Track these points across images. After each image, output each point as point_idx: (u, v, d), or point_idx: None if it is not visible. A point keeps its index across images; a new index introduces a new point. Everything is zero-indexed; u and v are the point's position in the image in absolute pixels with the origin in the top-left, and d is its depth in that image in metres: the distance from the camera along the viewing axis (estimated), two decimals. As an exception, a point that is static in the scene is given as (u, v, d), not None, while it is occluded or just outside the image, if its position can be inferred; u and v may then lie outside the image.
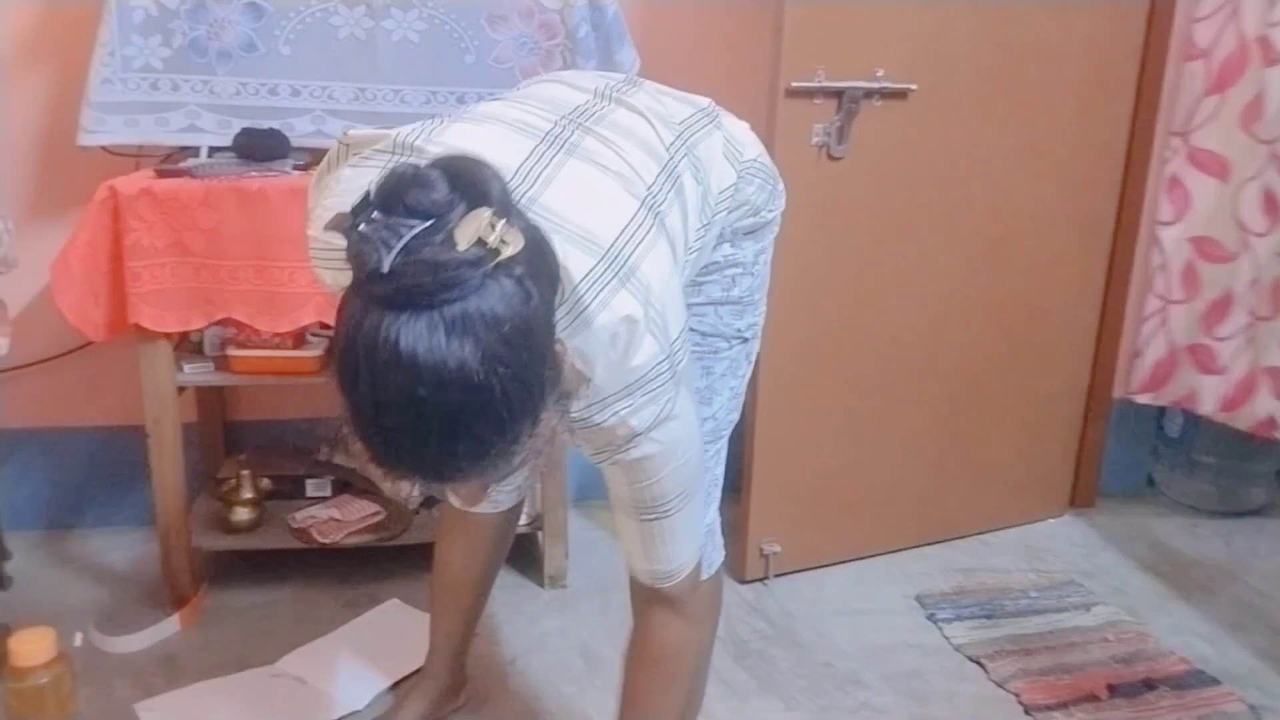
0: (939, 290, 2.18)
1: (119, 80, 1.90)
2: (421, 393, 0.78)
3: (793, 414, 2.11)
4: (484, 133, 1.04)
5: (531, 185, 0.98)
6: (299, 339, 1.95)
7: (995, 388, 2.32)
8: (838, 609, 2.09)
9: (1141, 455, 2.68)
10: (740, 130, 1.28)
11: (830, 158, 1.96)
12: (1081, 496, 2.56)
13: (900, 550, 2.31)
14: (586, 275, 0.95)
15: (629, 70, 2.07)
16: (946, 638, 1.99)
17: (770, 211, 1.30)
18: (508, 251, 0.80)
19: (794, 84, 1.87)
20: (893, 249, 2.10)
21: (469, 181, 0.82)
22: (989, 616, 2.07)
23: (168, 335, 1.86)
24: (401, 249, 0.78)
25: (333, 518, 2.09)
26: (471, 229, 0.79)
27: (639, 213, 1.02)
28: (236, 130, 1.92)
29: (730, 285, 1.28)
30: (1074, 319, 2.40)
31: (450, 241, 0.79)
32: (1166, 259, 2.41)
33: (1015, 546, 2.38)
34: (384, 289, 0.78)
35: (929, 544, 2.34)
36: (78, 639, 1.86)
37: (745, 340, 1.32)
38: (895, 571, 2.24)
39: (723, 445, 1.33)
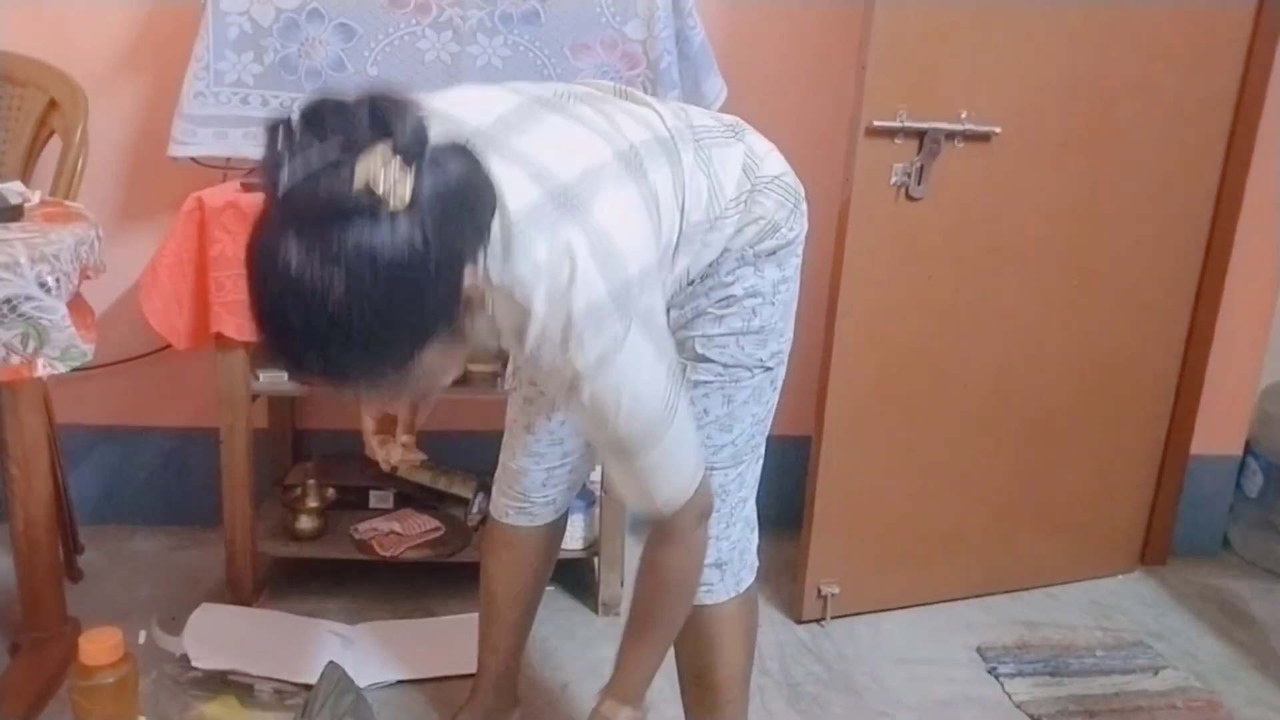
0: (1015, 335, 2.13)
1: (211, 94, 1.95)
2: (288, 303, 0.85)
3: (859, 454, 2.08)
4: (482, 91, 1.12)
5: (505, 129, 1.05)
6: (371, 353, 1.97)
7: (1069, 437, 2.26)
8: (896, 656, 2.05)
9: (1218, 514, 2.59)
10: (764, 148, 1.29)
11: (908, 198, 1.93)
12: (1153, 553, 2.48)
13: (963, 599, 2.26)
14: (529, 207, 0.99)
15: (715, 99, 2.08)
16: (1008, 693, 1.94)
17: (792, 230, 1.29)
18: (400, 191, 0.84)
19: (876, 123, 1.85)
20: (969, 292, 2.07)
21: (387, 118, 0.85)
22: (1053, 674, 2.01)
23: (246, 344, 1.90)
24: (303, 174, 0.82)
25: (394, 531, 2.11)
26: (370, 164, 0.83)
27: (612, 162, 1.07)
28: (322, 147, 1.95)
29: (751, 316, 1.27)
30: (1153, 371, 2.33)
31: (350, 175, 0.82)
32: None
33: (1082, 601, 2.31)
34: (279, 206, 0.84)
35: (993, 594, 2.29)
36: (141, 636, 1.90)
37: (769, 369, 1.32)
38: (957, 620, 2.19)
39: (745, 469, 1.34)
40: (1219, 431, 2.49)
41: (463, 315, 0.95)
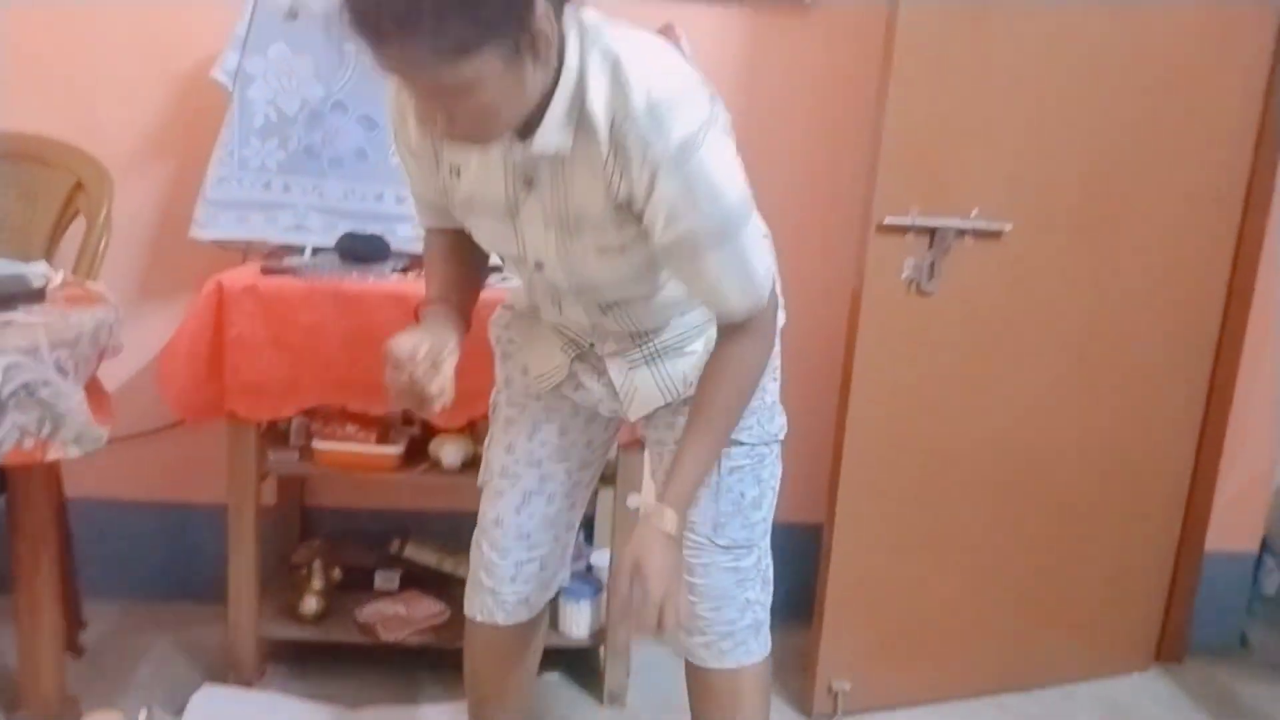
0: (1027, 430, 2.12)
1: (235, 179, 1.99)
2: None
3: (870, 550, 2.06)
4: None
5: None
6: (382, 434, 1.98)
7: (1082, 533, 2.23)
8: (907, 756, 2.01)
9: (1235, 611, 2.54)
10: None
11: (920, 293, 1.94)
12: (1169, 651, 2.44)
13: (977, 697, 2.21)
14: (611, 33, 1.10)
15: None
16: (1020, 799, 1.90)
17: (780, 295, 1.36)
18: None
19: (888, 220, 1.87)
20: (981, 387, 2.06)
21: None
22: (1066, 778, 1.96)
23: (257, 422, 1.91)
24: None
25: (398, 614, 2.09)
26: None
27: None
28: (341, 232, 1.98)
29: (764, 394, 1.37)
30: (1167, 466, 2.31)
31: None
32: None
33: (1097, 701, 2.26)
34: None
35: (1007, 692, 2.23)
36: (142, 715, 1.88)
37: (779, 441, 1.42)
38: (970, 720, 2.15)
39: (769, 538, 1.44)
40: (1235, 528, 2.46)
41: (526, 44, 1.01)
